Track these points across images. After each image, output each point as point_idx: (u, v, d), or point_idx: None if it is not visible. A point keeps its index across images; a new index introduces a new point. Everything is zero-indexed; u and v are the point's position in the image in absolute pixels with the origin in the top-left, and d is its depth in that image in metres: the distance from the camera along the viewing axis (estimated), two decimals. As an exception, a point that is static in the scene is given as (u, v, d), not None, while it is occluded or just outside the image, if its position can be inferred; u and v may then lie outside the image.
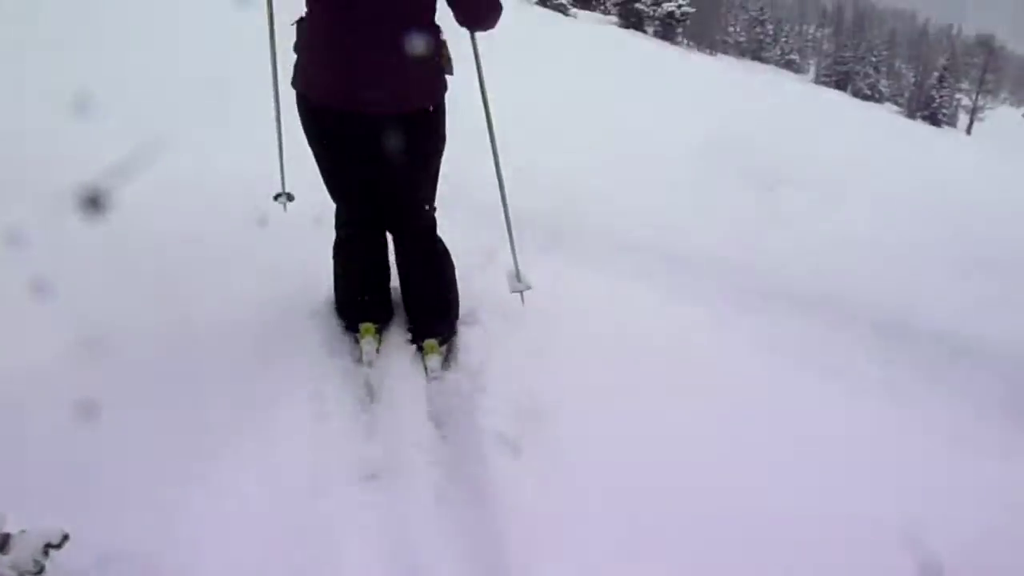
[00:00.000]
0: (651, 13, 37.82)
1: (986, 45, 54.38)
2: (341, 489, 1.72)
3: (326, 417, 1.94)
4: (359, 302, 2.31)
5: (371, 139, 1.94)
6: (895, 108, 52.48)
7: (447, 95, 2.07)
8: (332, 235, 2.31)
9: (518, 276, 2.37)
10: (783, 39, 63.41)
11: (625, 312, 2.80)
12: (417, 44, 1.82)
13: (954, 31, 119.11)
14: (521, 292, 2.36)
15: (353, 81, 1.87)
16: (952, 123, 54.39)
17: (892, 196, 5.49)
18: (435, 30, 1.94)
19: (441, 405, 2.05)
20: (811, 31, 78.75)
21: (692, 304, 3.03)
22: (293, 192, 2.53)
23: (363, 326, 2.27)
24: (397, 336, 2.35)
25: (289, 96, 2.07)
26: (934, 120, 49.98)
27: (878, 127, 13.47)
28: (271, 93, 2.28)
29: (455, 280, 2.36)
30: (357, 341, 2.26)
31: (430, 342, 2.26)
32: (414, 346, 2.30)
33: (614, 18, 38.50)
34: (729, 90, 12.10)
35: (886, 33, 78.81)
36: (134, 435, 1.65)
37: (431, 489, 1.75)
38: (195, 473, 1.64)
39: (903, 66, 66.31)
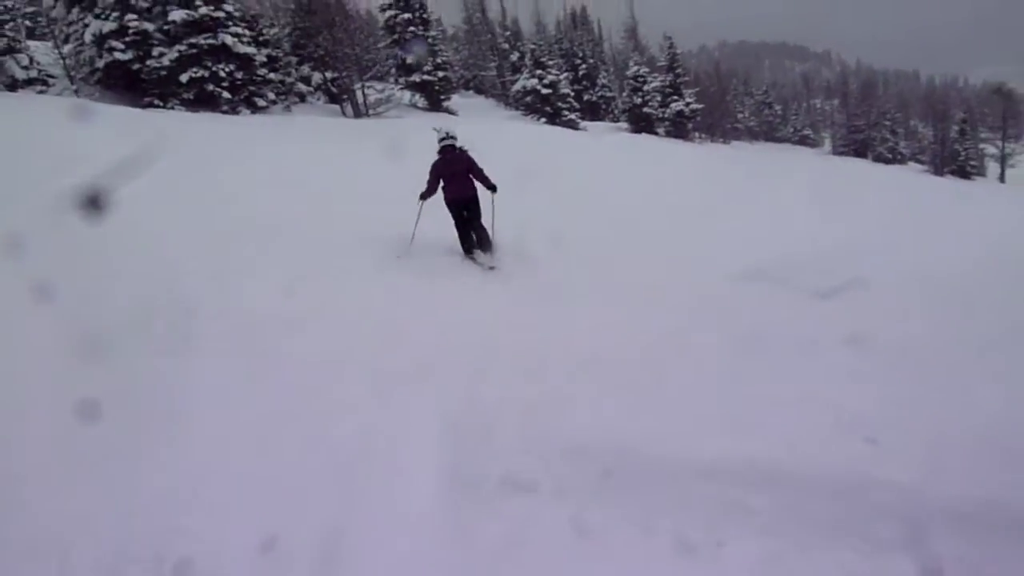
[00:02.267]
0: (660, 115, 38.68)
1: (1001, 92, 54.25)
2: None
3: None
4: (467, 247, 8.46)
5: (464, 206, 8.40)
6: (919, 167, 52.00)
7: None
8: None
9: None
10: (792, 117, 64.41)
11: None
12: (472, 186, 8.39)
13: (960, 83, 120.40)
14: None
15: (458, 191, 8.35)
16: (982, 173, 53.56)
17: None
18: (473, 183, 8.39)
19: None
20: (818, 104, 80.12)
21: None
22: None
23: (472, 252, 8.41)
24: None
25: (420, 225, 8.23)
26: (963, 173, 49.25)
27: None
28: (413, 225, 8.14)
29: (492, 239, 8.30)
30: (471, 257, 8.42)
31: (485, 251, 8.36)
32: (482, 253, 8.37)
33: (624, 124, 39.46)
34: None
35: (894, 96, 79.80)
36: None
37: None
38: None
39: (918, 124, 66.34)
